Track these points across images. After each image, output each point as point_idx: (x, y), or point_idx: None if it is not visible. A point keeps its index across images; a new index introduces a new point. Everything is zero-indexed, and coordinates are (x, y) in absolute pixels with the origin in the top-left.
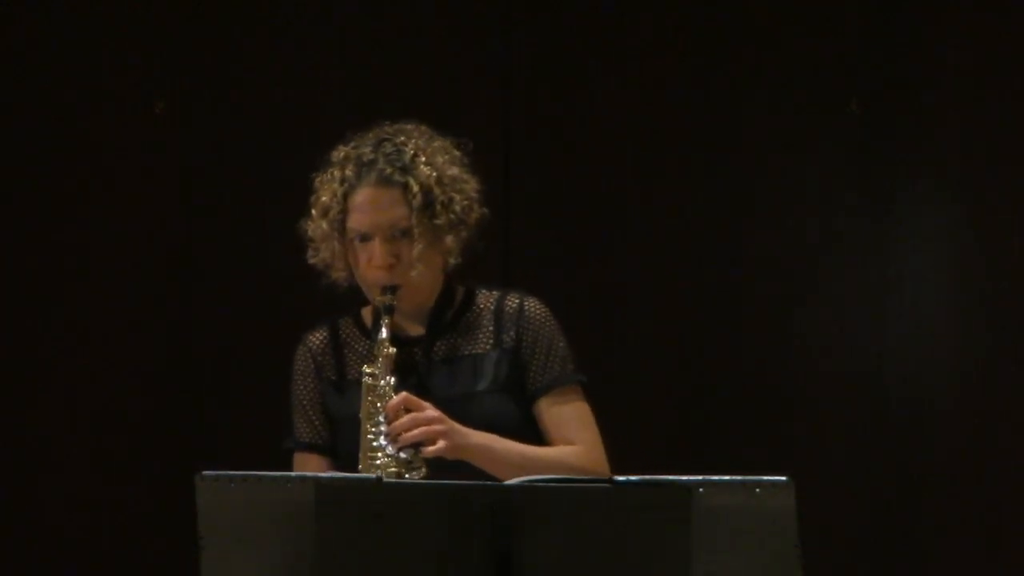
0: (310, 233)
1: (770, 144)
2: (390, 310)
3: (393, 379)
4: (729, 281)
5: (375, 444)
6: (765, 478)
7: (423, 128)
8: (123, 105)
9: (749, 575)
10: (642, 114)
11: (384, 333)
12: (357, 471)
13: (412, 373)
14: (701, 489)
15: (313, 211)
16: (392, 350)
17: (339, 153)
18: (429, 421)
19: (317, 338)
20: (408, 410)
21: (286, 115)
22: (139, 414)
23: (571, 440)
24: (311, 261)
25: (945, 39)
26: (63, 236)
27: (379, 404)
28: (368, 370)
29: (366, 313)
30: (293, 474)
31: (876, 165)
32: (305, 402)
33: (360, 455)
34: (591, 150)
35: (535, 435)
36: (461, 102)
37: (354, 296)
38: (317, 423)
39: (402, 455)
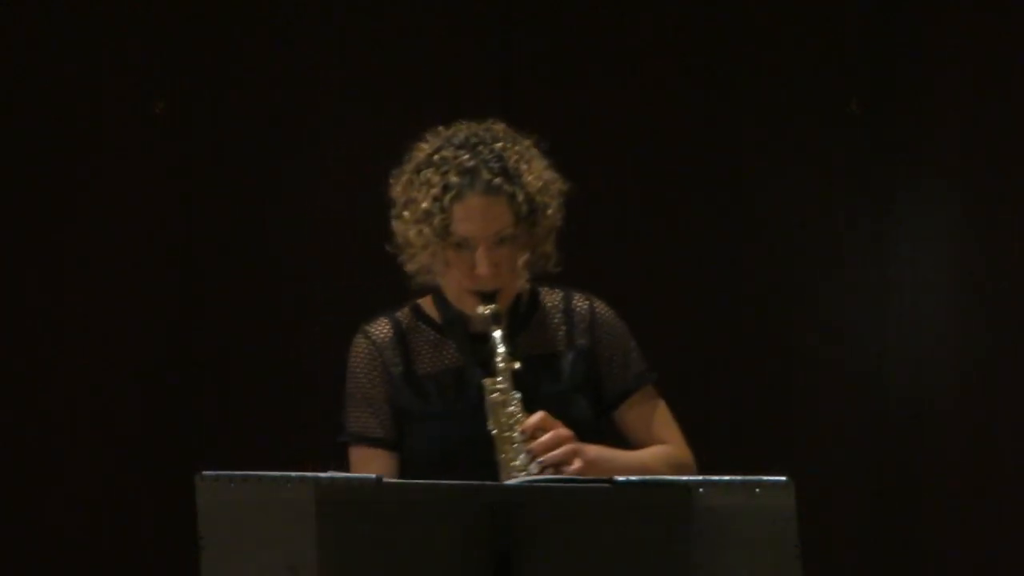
0: (411, 238)
1: (770, 144)
2: (498, 319)
3: (519, 394)
4: (729, 281)
5: (515, 463)
6: (765, 478)
7: (505, 127)
8: (123, 105)
9: (749, 575)
10: (642, 114)
11: (501, 346)
12: (435, 465)
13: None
14: (701, 489)
15: (406, 213)
16: (516, 364)
17: (426, 153)
18: (567, 440)
19: (380, 331)
20: (543, 428)
21: (286, 115)
22: (139, 414)
23: (662, 439)
24: (408, 268)
25: (945, 39)
26: (63, 236)
27: (512, 421)
28: (491, 385)
29: (426, 304)
30: (293, 474)
31: (876, 165)
32: (371, 396)
33: (501, 473)
34: (591, 150)
35: (602, 434)
36: (461, 102)
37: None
38: (384, 417)
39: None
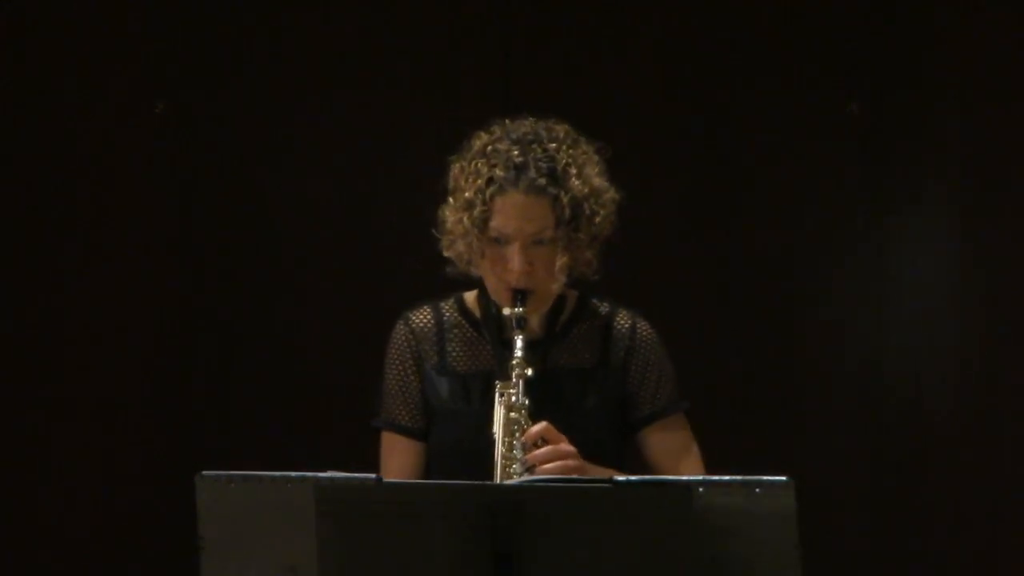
0: (449, 225)
1: (770, 144)
2: (523, 323)
3: (528, 401)
4: (729, 281)
5: (509, 471)
6: (765, 478)
7: (567, 128)
8: (123, 105)
9: (749, 575)
10: (642, 114)
11: (519, 352)
12: (453, 465)
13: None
14: (701, 489)
15: (452, 200)
16: (528, 371)
17: (483, 143)
18: (566, 456)
19: (420, 320)
20: (545, 440)
21: (286, 114)
22: (140, 414)
23: (677, 471)
24: (445, 253)
25: (945, 39)
26: (64, 236)
27: (515, 427)
28: (502, 388)
29: (470, 299)
30: (293, 474)
31: (876, 165)
32: (402, 384)
33: (496, 472)
34: None
35: (622, 458)
36: (461, 101)
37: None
38: (413, 406)
39: None
